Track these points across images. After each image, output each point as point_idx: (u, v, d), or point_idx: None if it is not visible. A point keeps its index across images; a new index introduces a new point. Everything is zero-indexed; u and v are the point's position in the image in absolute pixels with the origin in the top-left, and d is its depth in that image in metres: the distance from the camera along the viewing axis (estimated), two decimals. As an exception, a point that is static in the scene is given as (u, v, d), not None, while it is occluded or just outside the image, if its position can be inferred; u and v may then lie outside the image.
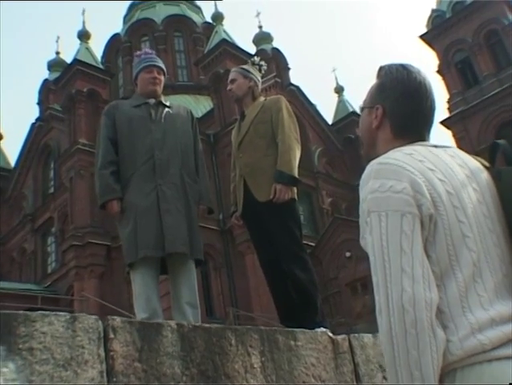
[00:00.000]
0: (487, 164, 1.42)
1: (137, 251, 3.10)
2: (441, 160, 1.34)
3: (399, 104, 1.45)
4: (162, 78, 3.56)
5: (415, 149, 1.36)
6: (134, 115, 3.40)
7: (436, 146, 1.41)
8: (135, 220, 3.16)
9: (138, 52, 3.73)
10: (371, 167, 1.34)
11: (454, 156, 1.39)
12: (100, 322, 1.76)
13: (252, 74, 3.75)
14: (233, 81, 3.74)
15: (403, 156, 1.32)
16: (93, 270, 24.25)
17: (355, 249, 25.13)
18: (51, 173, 31.43)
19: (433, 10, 34.03)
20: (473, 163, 1.40)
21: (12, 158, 35.10)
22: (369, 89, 1.54)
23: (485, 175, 1.38)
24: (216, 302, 24.51)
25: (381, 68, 1.52)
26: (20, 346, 1.52)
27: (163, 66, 3.61)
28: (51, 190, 30.47)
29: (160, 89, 3.53)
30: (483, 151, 22.30)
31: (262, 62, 3.90)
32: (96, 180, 3.30)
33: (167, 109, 3.50)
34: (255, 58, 3.95)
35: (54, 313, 1.66)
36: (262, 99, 3.74)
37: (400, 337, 1.18)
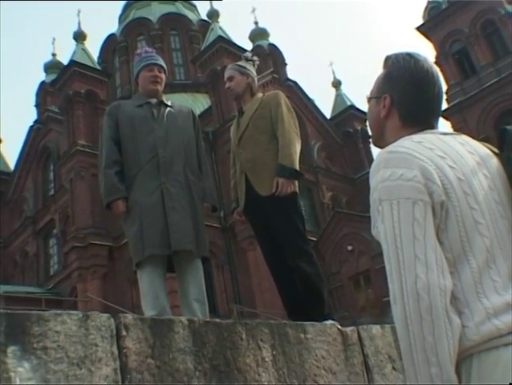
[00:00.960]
0: (496, 150, 1.42)
1: (144, 250, 3.10)
2: (451, 147, 1.35)
3: (406, 93, 1.45)
4: (163, 76, 3.56)
5: (424, 137, 1.37)
6: (136, 114, 3.39)
7: (445, 133, 1.42)
8: (140, 218, 3.16)
9: (138, 51, 3.72)
10: (381, 156, 1.34)
11: (464, 143, 1.39)
12: (112, 319, 1.77)
13: (248, 70, 3.74)
14: (230, 78, 3.72)
15: (412, 144, 1.33)
16: (96, 271, 24.28)
17: (357, 243, 25.18)
18: (51, 175, 31.43)
19: (429, 2, 33.97)
20: (483, 149, 1.41)
21: (11, 161, 35.12)
22: (376, 79, 1.54)
23: (494, 161, 1.38)
24: (219, 299, 24.53)
25: (388, 58, 1.52)
26: (34, 345, 1.52)
27: (164, 64, 3.60)
28: (52, 192, 30.47)
29: (161, 87, 3.53)
30: (483, 141, 22.20)
31: (255, 58, 3.88)
32: (101, 180, 3.29)
33: (169, 108, 3.50)
34: (247, 53, 3.93)
35: (66, 312, 1.67)
36: (260, 94, 3.73)
37: (416, 324, 1.18)
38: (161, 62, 3.59)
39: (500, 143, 1.42)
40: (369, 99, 1.55)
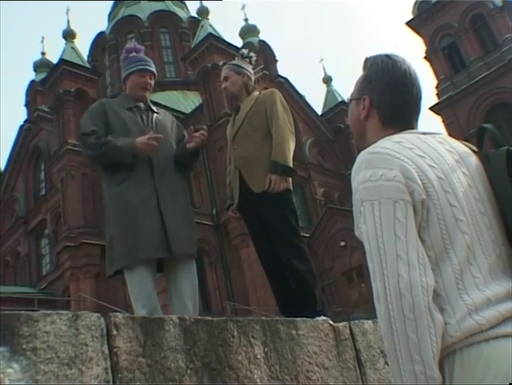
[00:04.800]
0: (475, 148, 1.44)
1: (137, 252, 3.03)
2: (430, 147, 1.36)
3: (385, 94, 1.47)
4: (153, 82, 3.51)
5: (404, 137, 1.38)
6: (126, 116, 3.32)
7: (424, 133, 1.44)
8: (135, 220, 3.10)
9: (127, 46, 3.62)
10: (362, 157, 1.36)
11: (443, 142, 1.41)
12: (102, 319, 1.76)
13: (244, 68, 3.74)
14: (226, 78, 3.72)
15: (392, 145, 1.34)
16: (88, 271, 24.19)
17: (350, 239, 25.22)
18: (42, 175, 31.29)
19: (418, -4, 34.05)
20: (462, 148, 1.43)
21: (2, 161, 34.97)
22: (356, 81, 1.57)
23: (473, 159, 1.40)
24: (212, 297, 24.54)
25: (367, 60, 1.54)
26: (24, 346, 1.51)
27: (155, 70, 3.55)
28: (43, 192, 30.34)
29: (149, 94, 3.49)
30: (473, 135, 22.47)
31: (252, 54, 3.87)
32: (103, 152, 3.14)
33: (156, 115, 3.47)
34: (243, 50, 3.91)
35: (56, 312, 1.66)
36: (256, 93, 3.74)
37: (399, 322, 1.20)
38: (153, 68, 3.53)
39: (479, 141, 1.45)
40: (350, 101, 1.58)
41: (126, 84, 3.50)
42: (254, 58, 3.87)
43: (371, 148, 1.36)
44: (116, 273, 3.18)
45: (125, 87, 3.53)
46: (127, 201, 3.15)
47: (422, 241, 1.26)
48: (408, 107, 1.47)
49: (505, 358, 1.15)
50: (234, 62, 3.83)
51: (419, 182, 1.27)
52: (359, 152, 1.41)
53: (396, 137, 1.38)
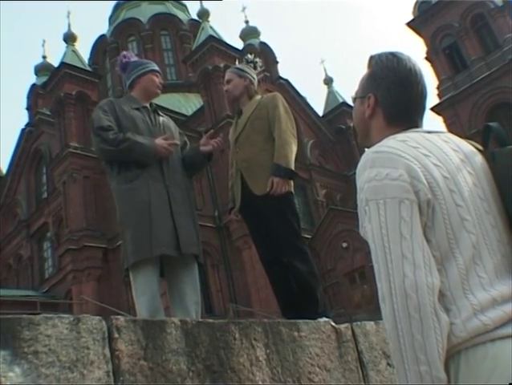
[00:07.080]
0: (480, 147, 1.43)
1: (152, 248, 3.04)
2: (435, 146, 1.35)
3: (390, 92, 1.45)
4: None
5: (409, 136, 1.37)
6: (136, 116, 3.32)
7: (429, 132, 1.42)
8: (149, 216, 3.10)
9: (124, 53, 3.64)
10: (367, 156, 1.35)
11: (448, 141, 1.40)
12: (104, 322, 1.76)
13: (247, 73, 3.78)
14: (229, 81, 3.77)
15: (397, 144, 1.33)
16: (90, 273, 24.22)
17: (352, 240, 25.22)
18: (44, 178, 31.34)
19: (419, -3, 34.04)
20: (467, 147, 1.41)
21: (3, 165, 35.02)
22: (360, 79, 1.55)
23: (479, 158, 1.39)
24: (215, 299, 24.53)
25: (371, 57, 1.53)
26: (25, 349, 1.51)
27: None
28: (45, 195, 30.38)
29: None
30: (474, 135, 22.44)
31: (257, 59, 3.92)
32: (124, 148, 3.12)
33: (162, 118, 3.48)
34: (249, 55, 3.96)
35: (57, 315, 1.66)
36: (258, 96, 3.77)
37: (404, 322, 1.19)
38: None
39: (484, 140, 1.43)
40: (354, 99, 1.56)
41: (134, 86, 3.49)
42: (260, 64, 3.93)
43: (375, 147, 1.35)
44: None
45: (131, 89, 3.51)
46: (139, 198, 3.15)
47: (427, 240, 1.25)
48: (413, 105, 1.46)
49: (510, 358, 1.14)
50: (238, 66, 3.90)
51: (424, 181, 1.27)
52: (362, 152, 1.40)
53: (401, 136, 1.37)
